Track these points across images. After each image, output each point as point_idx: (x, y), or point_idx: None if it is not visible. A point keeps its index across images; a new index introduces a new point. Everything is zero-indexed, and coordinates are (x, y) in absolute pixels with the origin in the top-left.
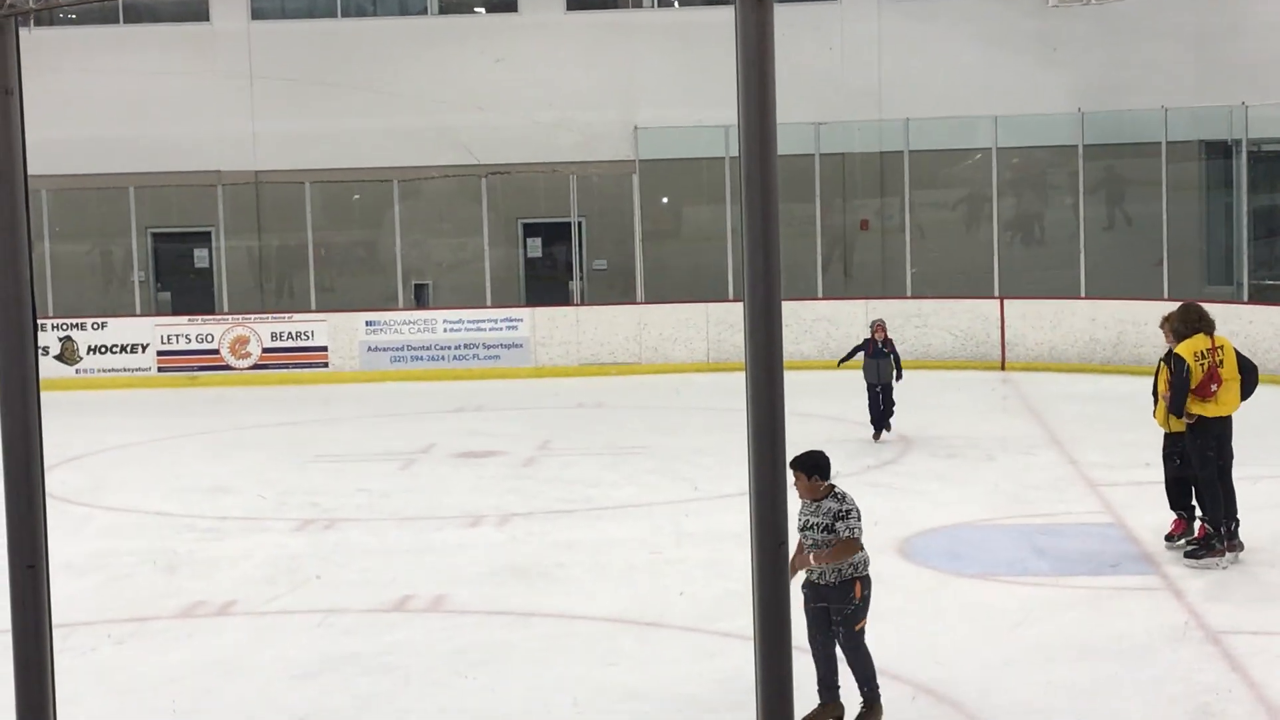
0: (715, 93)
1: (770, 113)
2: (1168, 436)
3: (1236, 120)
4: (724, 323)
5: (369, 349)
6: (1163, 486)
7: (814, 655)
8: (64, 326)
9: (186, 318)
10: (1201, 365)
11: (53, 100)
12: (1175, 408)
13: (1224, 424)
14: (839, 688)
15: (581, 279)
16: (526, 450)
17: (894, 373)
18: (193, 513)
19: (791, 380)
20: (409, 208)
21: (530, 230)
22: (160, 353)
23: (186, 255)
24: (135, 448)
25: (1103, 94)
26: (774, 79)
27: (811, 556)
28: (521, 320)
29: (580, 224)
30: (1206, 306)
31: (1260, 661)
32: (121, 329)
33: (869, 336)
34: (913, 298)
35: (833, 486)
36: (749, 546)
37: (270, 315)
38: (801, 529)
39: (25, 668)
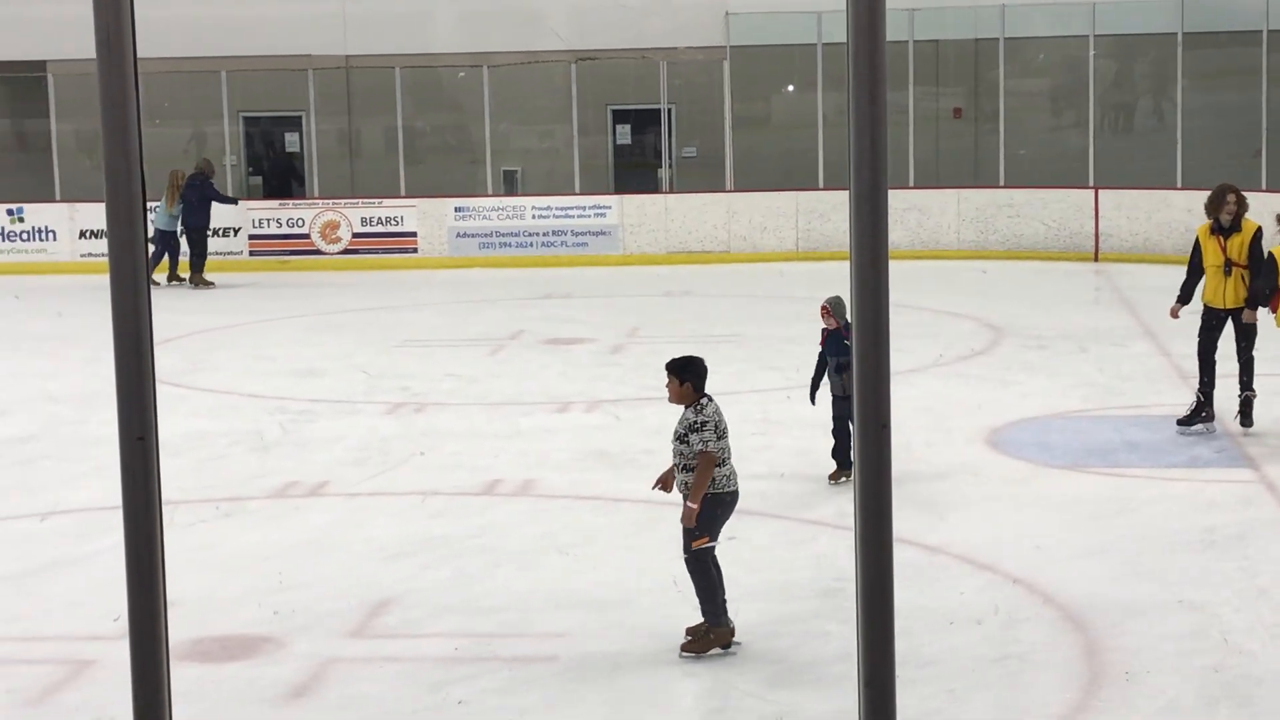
0: None
1: None
2: None
3: None
4: (814, 212)
5: (458, 235)
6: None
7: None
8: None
9: (277, 202)
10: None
11: None
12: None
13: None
14: (725, 602)
15: (671, 166)
16: (614, 337)
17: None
18: (285, 395)
19: None
20: (498, 93)
21: (619, 117)
22: (252, 236)
23: (278, 139)
24: (228, 331)
25: None
26: None
27: (676, 474)
28: (610, 208)
29: (670, 111)
30: None
31: None
32: (214, 213)
33: (823, 326)
34: (1005, 187)
35: (700, 396)
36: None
37: (360, 200)
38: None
39: (136, 539)
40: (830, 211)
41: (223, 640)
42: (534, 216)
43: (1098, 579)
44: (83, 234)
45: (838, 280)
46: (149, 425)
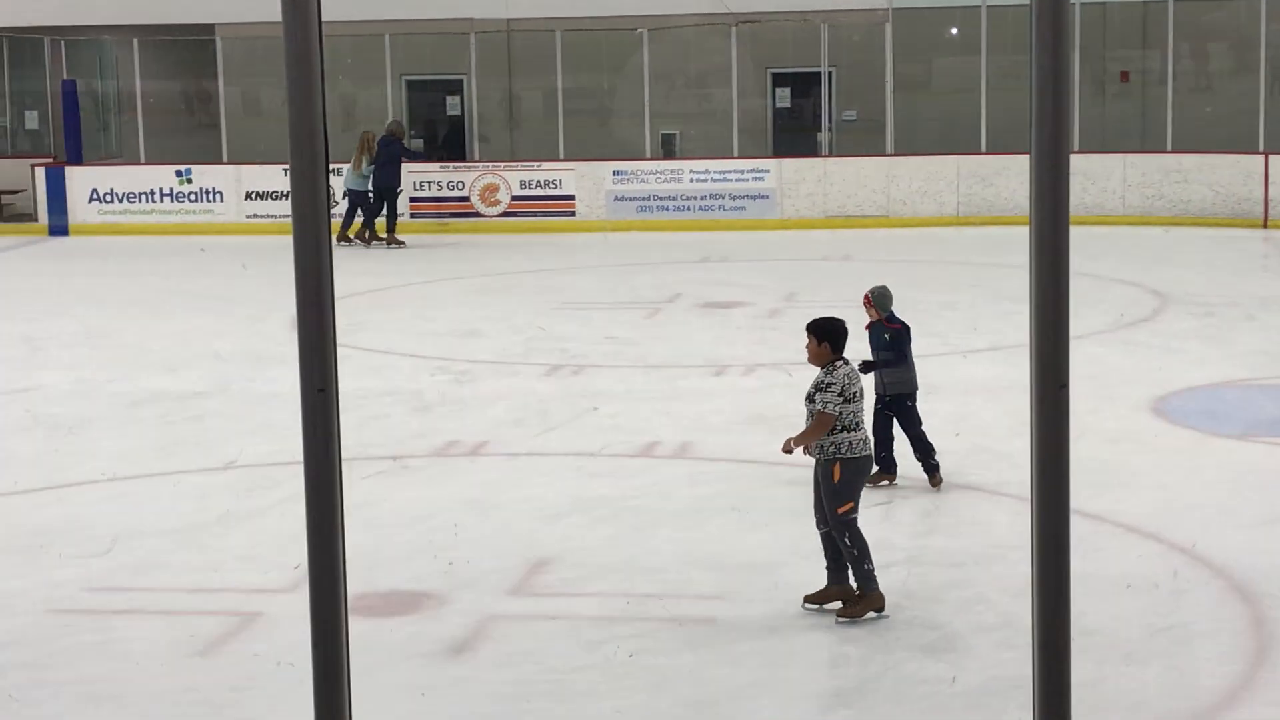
0: None
1: None
2: None
3: None
4: (975, 176)
5: (616, 198)
6: None
7: (819, 531)
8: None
9: (439, 165)
10: None
11: None
12: None
13: None
14: (847, 569)
15: (830, 130)
16: (772, 301)
17: (907, 377)
18: (445, 355)
19: None
20: (658, 56)
21: (779, 80)
22: (413, 199)
23: (439, 103)
24: (389, 292)
25: None
26: None
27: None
28: (768, 171)
29: (830, 74)
30: None
31: None
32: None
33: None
34: (1173, 152)
35: (836, 359)
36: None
37: (519, 163)
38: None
39: (317, 488)
40: (992, 176)
41: (385, 596)
42: (692, 180)
43: (1266, 549)
44: (249, 195)
45: (1001, 244)
46: (329, 377)
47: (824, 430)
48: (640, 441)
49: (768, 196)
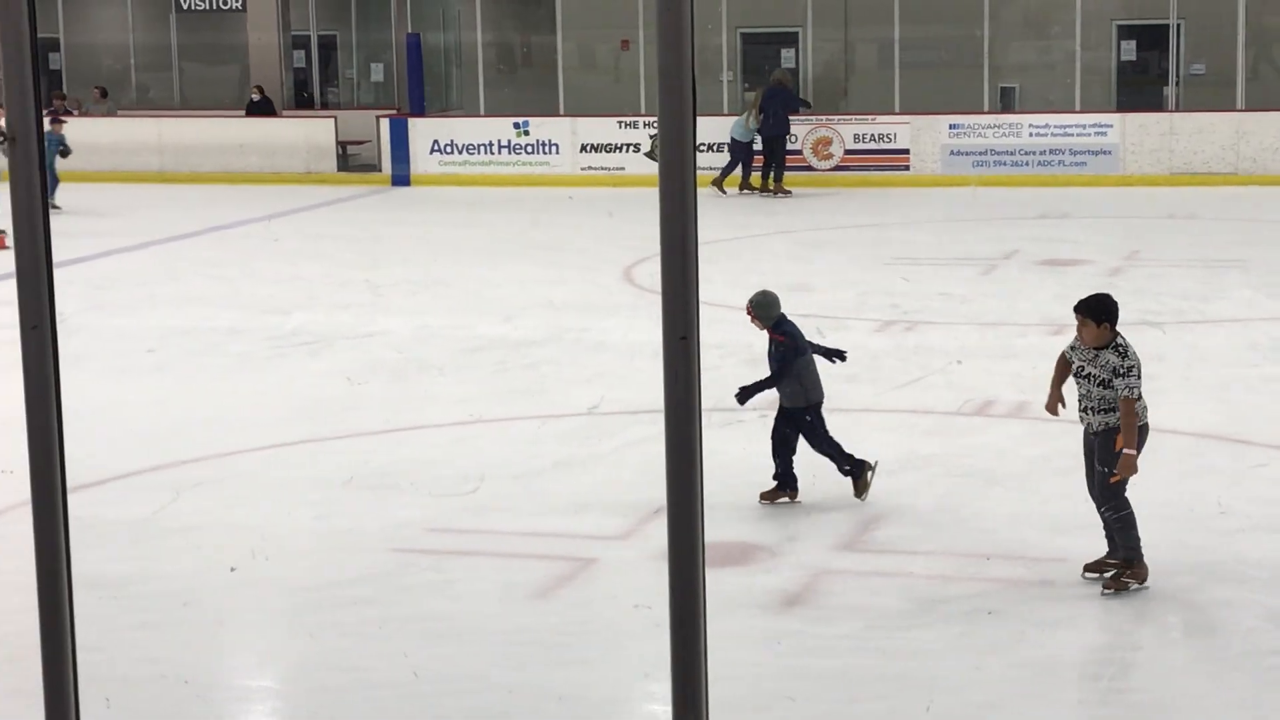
0: None
1: None
2: None
3: None
4: None
5: (951, 152)
6: None
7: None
8: (654, 125)
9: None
10: None
11: None
12: None
13: None
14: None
15: (1177, 84)
16: (1113, 260)
17: (795, 390)
18: None
19: None
20: (999, 7)
21: (1124, 32)
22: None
23: (773, 55)
24: (720, 244)
25: None
26: None
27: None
28: (1111, 126)
29: (1179, 26)
30: None
31: None
32: (709, 128)
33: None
34: None
35: (1117, 335)
36: None
37: (853, 116)
38: (1075, 375)
39: (677, 434)
40: None
41: (715, 546)
42: (1031, 134)
43: None
44: (583, 147)
45: None
46: (691, 324)
47: (1135, 416)
48: (975, 400)
49: (1110, 152)
